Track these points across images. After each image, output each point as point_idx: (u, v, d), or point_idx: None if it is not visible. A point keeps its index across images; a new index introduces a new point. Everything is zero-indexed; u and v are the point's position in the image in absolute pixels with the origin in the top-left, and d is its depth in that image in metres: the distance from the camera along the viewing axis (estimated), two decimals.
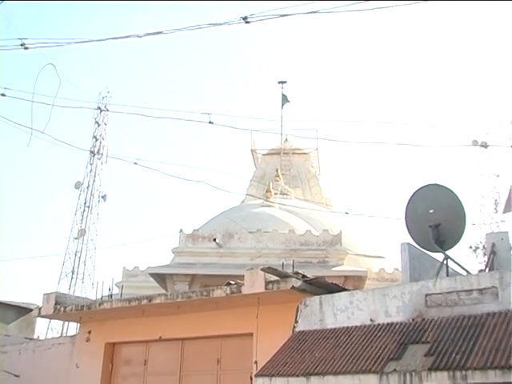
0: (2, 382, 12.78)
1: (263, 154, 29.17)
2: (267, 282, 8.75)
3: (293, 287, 8.46)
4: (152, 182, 66.59)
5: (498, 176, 31.33)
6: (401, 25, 65.95)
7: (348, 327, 7.21)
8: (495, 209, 30.42)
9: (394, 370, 5.94)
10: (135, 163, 12.76)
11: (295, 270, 9.15)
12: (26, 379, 12.54)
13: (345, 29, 68.50)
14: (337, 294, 7.69)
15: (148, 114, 12.34)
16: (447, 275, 7.79)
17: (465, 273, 7.87)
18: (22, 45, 8.99)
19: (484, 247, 19.66)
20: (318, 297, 7.80)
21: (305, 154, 28.39)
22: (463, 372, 5.46)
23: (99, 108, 28.73)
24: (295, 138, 28.53)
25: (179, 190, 72.32)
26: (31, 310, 14.36)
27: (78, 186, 29.97)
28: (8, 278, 44.74)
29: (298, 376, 6.65)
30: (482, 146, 28.92)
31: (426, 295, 6.76)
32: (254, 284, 8.87)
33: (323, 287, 8.61)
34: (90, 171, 30.27)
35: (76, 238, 29.24)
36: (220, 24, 8.61)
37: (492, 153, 31.37)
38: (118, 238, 52.93)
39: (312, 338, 7.33)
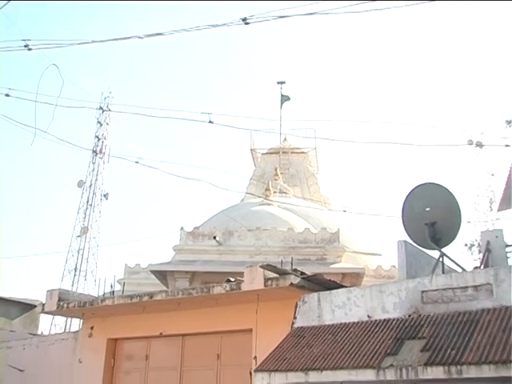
0: (7, 377, 12.90)
1: (263, 153, 29.22)
2: (266, 279, 8.81)
3: (291, 284, 8.51)
4: (153, 181, 66.88)
5: (492, 175, 31.58)
6: (396, 26, 66.02)
7: (346, 323, 7.28)
8: (490, 207, 30.60)
9: (391, 365, 6.02)
10: (137, 162, 12.88)
11: (294, 267, 9.19)
12: (30, 374, 12.62)
13: (343, 29, 68.67)
14: (335, 291, 7.77)
15: (149, 113, 12.48)
16: (443, 272, 7.85)
17: (460, 270, 7.94)
18: (25, 46, 9.08)
19: (479, 245, 19.78)
20: (317, 293, 7.87)
21: (303, 153, 28.45)
22: (458, 367, 5.55)
23: (101, 108, 28.96)
24: (294, 137, 28.55)
25: (180, 189, 72.43)
26: (35, 306, 14.49)
27: (80, 184, 30.22)
28: (12, 276, 45.05)
29: (296, 371, 6.72)
30: (477, 145, 29.03)
31: (422, 292, 6.85)
32: (254, 281, 8.92)
33: (321, 284, 8.67)
34: (93, 170, 30.55)
35: (79, 236, 29.48)
36: (219, 25, 8.70)
37: (487, 152, 31.63)
38: (120, 235, 53.23)
39: (310, 334, 7.40)
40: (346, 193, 50.01)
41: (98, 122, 30.73)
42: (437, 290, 6.75)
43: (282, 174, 25.86)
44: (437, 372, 5.68)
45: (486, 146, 29.02)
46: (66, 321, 25.21)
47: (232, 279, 9.41)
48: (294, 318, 7.89)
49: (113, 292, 12.12)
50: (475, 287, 6.49)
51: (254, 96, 68.19)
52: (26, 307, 15.99)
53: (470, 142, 27.68)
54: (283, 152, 27.92)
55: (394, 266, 18.15)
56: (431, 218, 8.21)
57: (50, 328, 26.41)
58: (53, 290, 11.83)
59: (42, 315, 16.08)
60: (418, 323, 6.60)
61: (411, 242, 8.37)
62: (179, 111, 13.03)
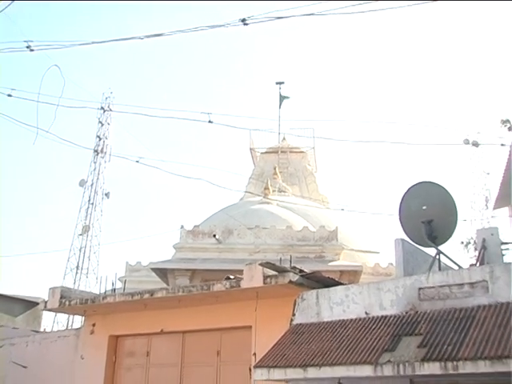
0: (11, 373, 13.02)
1: (262, 153, 29.31)
2: (265, 277, 8.90)
3: (290, 281, 8.60)
4: (154, 180, 66.89)
5: (488, 174, 31.68)
6: (394, 26, 66.02)
7: (344, 320, 7.34)
8: (486, 205, 30.75)
9: (389, 360, 6.09)
10: (137, 161, 12.95)
11: (293, 264, 9.30)
12: (33, 370, 12.75)
13: (342, 30, 68.56)
14: (333, 288, 7.82)
15: (149, 113, 12.56)
16: (439, 269, 7.93)
17: (456, 267, 8.00)
18: (27, 47, 9.14)
19: (475, 242, 19.81)
20: (315, 291, 7.93)
21: (302, 152, 28.53)
22: (454, 362, 5.61)
23: (102, 108, 29.07)
24: (293, 137, 28.67)
25: (180, 188, 72.40)
26: (37, 303, 14.55)
27: (82, 183, 30.38)
28: (15, 274, 45.12)
29: (295, 367, 6.79)
30: (473, 144, 29.09)
31: (419, 289, 6.90)
32: (253, 278, 9.01)
33: (320, 281, 8.74)
34: (94, 170, 30.68)
35: (80, 235, 29.62)
36: (218, 26, 8.74)
37: (483, 151, 31.80)
38: (121, 234, 53.09)
39: (309, 331, 7.46)
40: (344, 191, 50.19)
41: (100, 122, 30.95)
42: (433, 287, 6.79)
43: (280, 172, 25.95)
44: (433, 368, 5.74)
45: (482, 145, 29.17)
46: (68, 318, 25.31)
47: (232, 277, 9.48)
48: (293, 314, 7.94)
49: (114, 290, 12.21)
50: (471, 284, 6.53)
51: (254, 96, 68.31)
52: (28, 305, 16.13)
53: (466, 142, 27.76)
54: (282, 151, 28.02)
55: (392, 264, 18.23)
56: (428, 216, 8.27)
57: (52, 325, 26.61)
58: (55, 288, 11.94)
59: (45, 312, 16.18)
60: (414, 320, 6.65)
61: (408, 239, 8.42)
62: (179, 111, 13.13)
